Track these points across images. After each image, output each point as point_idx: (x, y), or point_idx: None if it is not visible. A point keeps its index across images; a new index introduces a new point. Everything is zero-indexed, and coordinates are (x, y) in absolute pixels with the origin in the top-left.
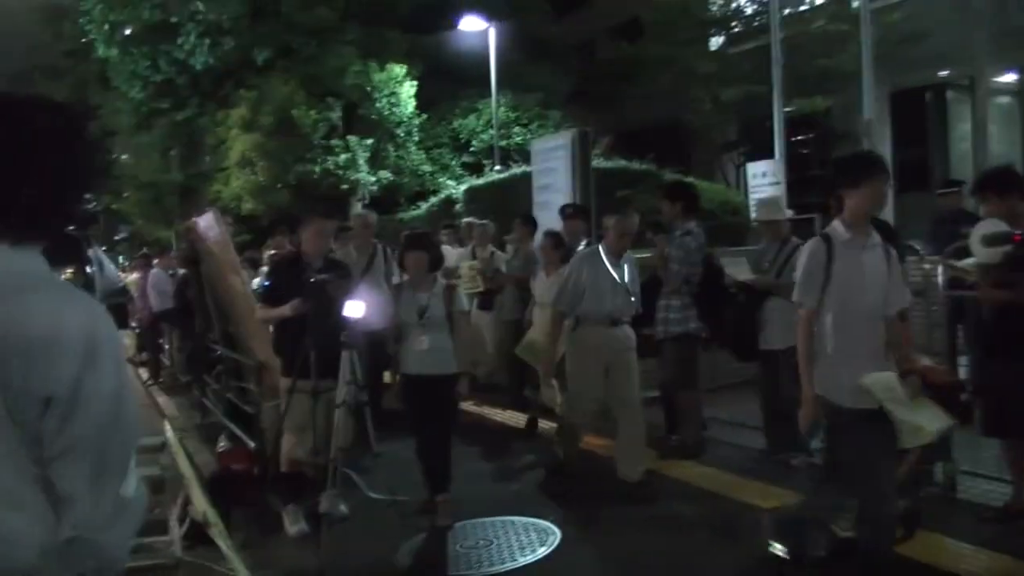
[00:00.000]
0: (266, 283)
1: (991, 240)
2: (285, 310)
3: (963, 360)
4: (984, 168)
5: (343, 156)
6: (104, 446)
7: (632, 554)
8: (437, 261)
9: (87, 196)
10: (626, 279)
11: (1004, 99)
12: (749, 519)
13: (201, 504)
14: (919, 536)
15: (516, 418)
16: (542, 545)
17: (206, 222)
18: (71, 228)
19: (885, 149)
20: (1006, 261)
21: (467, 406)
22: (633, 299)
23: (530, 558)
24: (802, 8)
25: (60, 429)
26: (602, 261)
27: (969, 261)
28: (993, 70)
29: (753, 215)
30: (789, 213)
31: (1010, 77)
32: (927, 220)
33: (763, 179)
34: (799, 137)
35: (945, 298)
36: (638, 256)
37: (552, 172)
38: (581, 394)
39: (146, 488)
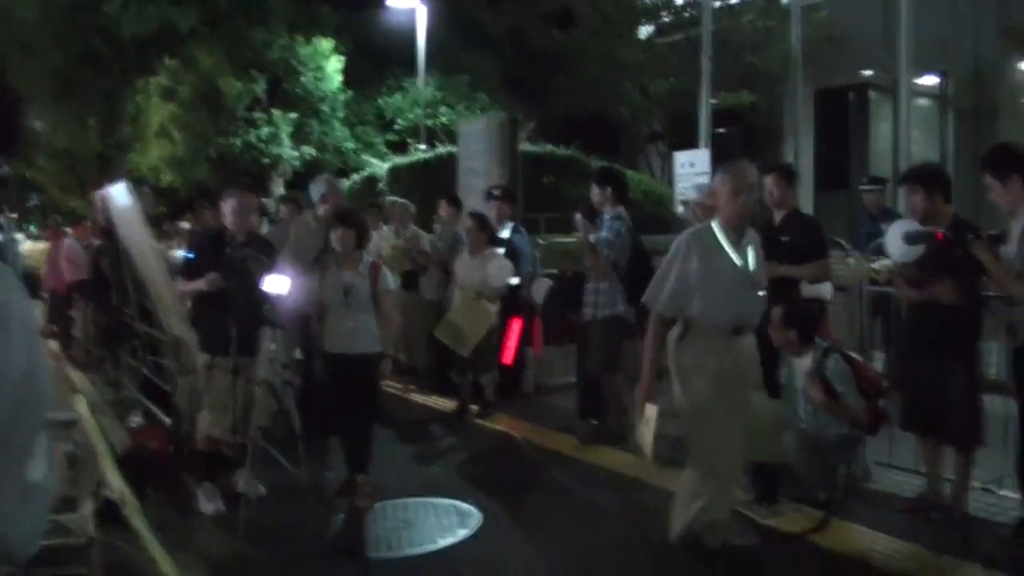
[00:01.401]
0: (188, 256)
1: (914, 238)
2: (201, 284)
3: (879, 355)
4: (908, 166)
5: (265, 130)
6: (7, 428)
7: (553, 539)
8: (364, 238)
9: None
10: (751, 266)
11: (924, 101)
12: (669, 506)
13: (117, 482)
14: (833, 525)
15: (438, 400)
16: (463, 528)
17: (116, 192)
18: None
19: (808, 147)
20: (923, 259)
21: (389, 387)
22: (762, 293)
23: (451, 540)
24: (732, 1)
25: None
26: (718, 243)
27: (885, 262)
28: (915, 73)
29: (680, 206)
30: None
31: (931, 80)
32: (846, 216)
33: (690, 168)
34: (723, 129)
35: (867, 294)
36: (562, 240)
37: (479, 155)
38: (715, 441)
39: (59, 469)
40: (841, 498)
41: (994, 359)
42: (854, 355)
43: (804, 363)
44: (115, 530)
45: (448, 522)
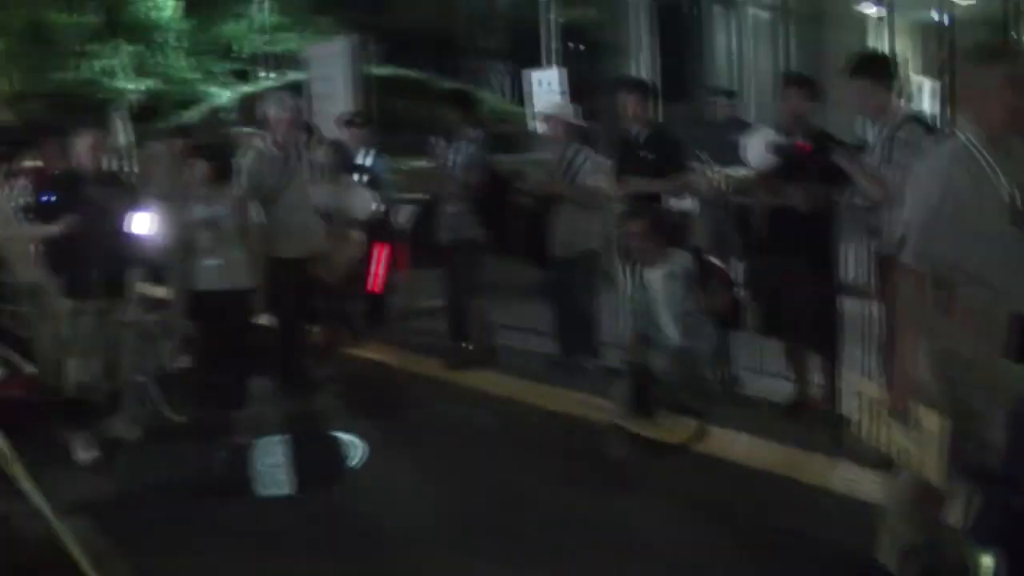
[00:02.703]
0: (44, 198)
1: (778, 148)
2: (54, 228)
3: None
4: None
5: (103, 63)
6: None
7: (435, 464)
8: (224, 170)
9: None
10: None
11: (764, 15)
12: (544, 423)
13: None
14: (711, 433)
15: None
16: (348, 460)
17: None
18: None
19: (650, 61)
20: (781, 167)
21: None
22: None
23: (337, 473)
24: None
25: None
26: (984, 167)
27: (744, 171)
28: None
29: (539, 123)
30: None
31: None
32: (687, 128)
33: (547, 87)
34: (570, 45)
35: (731, 205)
36: (415, 164)
37: (330, 79)
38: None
39: None
40: (714, 406)
41: (852, 263)
42: (712, 259)
43: (656, 275)
44: None
45: (331, 456)
